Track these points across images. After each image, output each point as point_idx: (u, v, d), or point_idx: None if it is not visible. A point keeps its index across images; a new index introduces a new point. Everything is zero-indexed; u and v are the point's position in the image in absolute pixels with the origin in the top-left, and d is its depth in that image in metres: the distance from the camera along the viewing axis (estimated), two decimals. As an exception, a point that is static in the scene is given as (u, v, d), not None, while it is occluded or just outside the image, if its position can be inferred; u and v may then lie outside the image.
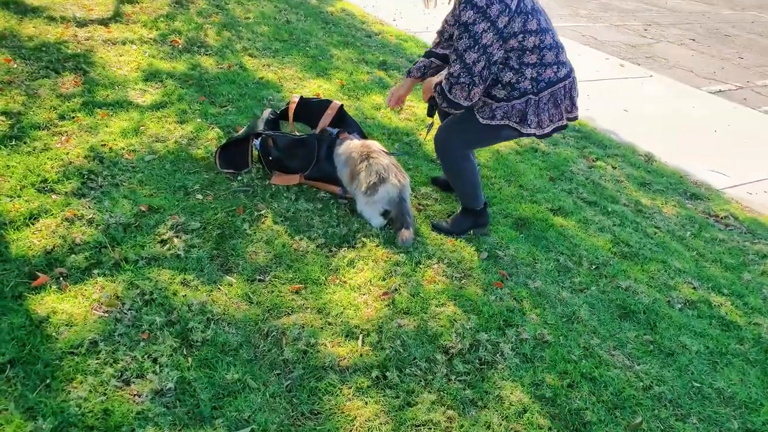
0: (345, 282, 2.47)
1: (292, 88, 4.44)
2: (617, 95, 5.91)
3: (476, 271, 2.66)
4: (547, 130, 2.50)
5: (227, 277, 2.40)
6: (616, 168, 4.10)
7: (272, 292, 2.36)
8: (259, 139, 3.09)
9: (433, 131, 2.85)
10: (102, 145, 3.20)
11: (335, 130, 3.08)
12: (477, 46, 2.25)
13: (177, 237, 2.57)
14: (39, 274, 2.24)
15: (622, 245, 3.07)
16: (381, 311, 2.32)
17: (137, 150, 3.22)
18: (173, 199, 2.84)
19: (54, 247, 2.39)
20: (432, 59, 2.86)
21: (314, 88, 4.50)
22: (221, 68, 4.51)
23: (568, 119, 2.52)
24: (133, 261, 2.38)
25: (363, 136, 3.16)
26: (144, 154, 3.20)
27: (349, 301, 2.35)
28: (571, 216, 3.30)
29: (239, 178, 3.11)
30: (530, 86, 2.40)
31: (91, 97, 3.69)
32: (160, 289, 2.26)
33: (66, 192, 2.76)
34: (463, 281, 2.59)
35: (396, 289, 2.46)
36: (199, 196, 2.90)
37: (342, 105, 3.19)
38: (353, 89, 4.64)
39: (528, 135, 2.53)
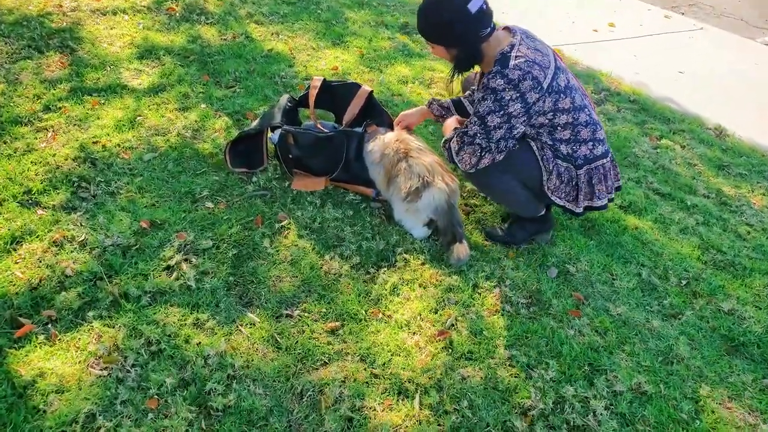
0: (389, 316, 2.08)
1: (306, 60, 3.96)
2: (667, 53, 5.32)
3: (546, 295, 2.26)
4: (579, 209, 2.34)
5: (248, 314, 2.02)
6: (685, 147, 3.62)
7: (303, 332, 1.99)
8: (277, 132, 2.65)
9: None
10: (94, 142, 2.79)
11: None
12: (502, 112, 2.09)
13: (186, 261, 2.19)
14: (23, 320, 1.87)
15: (712, 252, 2.64)
16: (437, 357, 1.94)
17: (134, 147, 2.81)
18: (179, 210, 2.44)
19: (40, 282, 2.02)
20: (454, 109, 2.64)
21: (330, 59, 4.02)
22: (225, 39, 4.03)
23: (609, 200, 2.37)
24: (134, 297, 2.01)
25: (391, 128, 2.71)
26: (142, 151, 2.78)
27: (398, 344, 1.97)
28: (645, 214, 2.85)
29: (254, 179, 2.69)
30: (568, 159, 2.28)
31: (79, 81, 3.26)
32: (169, 336, 1.89)
33: (53, 205, 2.37)
34: (531, 309, 2.19)
35: (453, 325, 2.07)
36: (209, 204, 2.50)
37: (372, 92, 2.72)
38: (375, 59, 4.14)
39: (557, 204, 2.34)
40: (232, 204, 2.53)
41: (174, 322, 1.94)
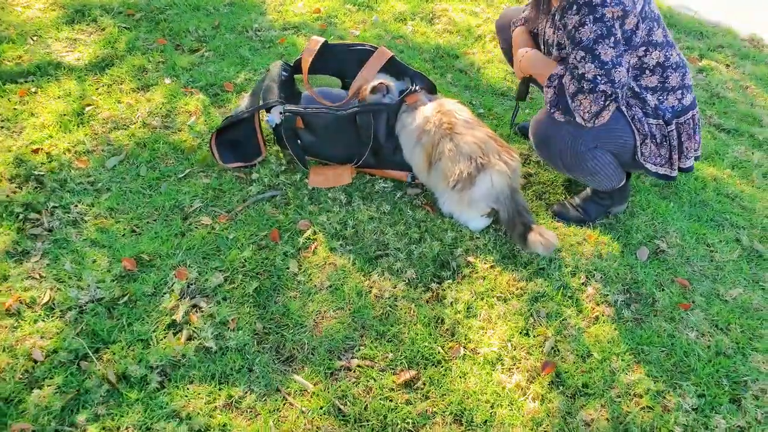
0: (474, 351, 1.62)
1: (279, 4, 3.24)
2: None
3: (645, 286, 1.83)
4: (675, 172, 1.87)
5: (295, 376, 1.53)
6: (730, 66, 3.15)
7: (370, 390, 1.51)
8: (275, 113, 2.04)
9: (521, 118, 2.13)
10: (33, 150, 2.13)
11: (396, 86, 2.04)
12: (613, 38, 1.61)
13: (195, 309, 1.66)
14: (-14, 444, 1.33)
15: (809, 199, 2.25)
16: (548, 400, 1.51)
17: (90, 150, 2.16)
18: (169, 235, 1.87)
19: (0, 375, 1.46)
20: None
21: (309, 0, 3.30)
22: (174, -13, 3.24)
23: (695, 158, 1.90)
24: (138, 379, 1.48)
25: (432, 91, 2.14)
26: (103, 156, 2.14)
27: (495, 390, 1.52)
28: (718, 160, 2.42)
29: (254, 175, 2.11)
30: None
31: (-4, 65, 2.51)
32: None
33: (-3, 252, 1.76)
34: (634, 308, 1.77)
35: (554, 349, 1.63)
36: (206, 220, 1.93)
37: (393, 56, 2.11)
38: (360, -7, 3.44)
39: (651, 172, 1.86)
40: (235, 215, 1.96)
41: (201, 409, 1.43)
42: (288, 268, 1.79)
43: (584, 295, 1.79)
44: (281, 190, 2.07)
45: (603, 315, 1.73)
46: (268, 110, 2.09)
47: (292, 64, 2.21)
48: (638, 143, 1.78)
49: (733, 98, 2.84)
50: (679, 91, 1.79)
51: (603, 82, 1.62)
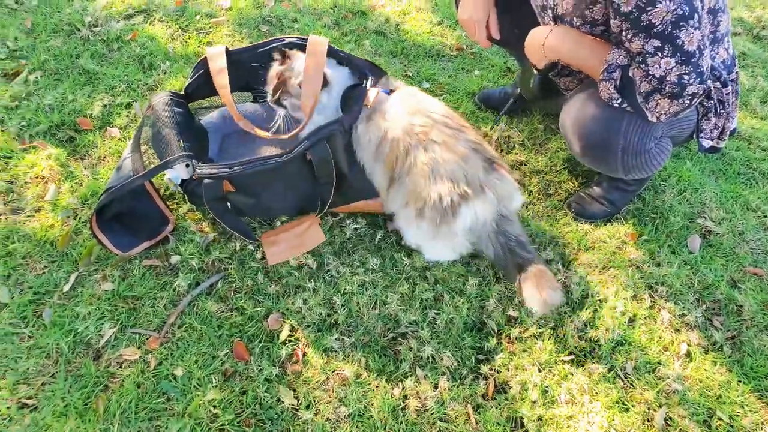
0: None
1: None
2: None
3: (719, 288, 1.56)
4: (724, 143, 1.53)
5: None
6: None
7: None
8: (179, 167, 1.43)
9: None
10: None
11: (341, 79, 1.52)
12: (696, 15, 1.21)
13: None
14: None
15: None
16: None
17: None
18: (84, 396, 1.27)
19: None
20: None
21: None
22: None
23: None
24: None
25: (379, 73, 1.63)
26: None
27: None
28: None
29: (174, 257, 1.51)
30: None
31: None
32: None
33: None
34: (718, 323, 1.49)
35: (668, 421, 1.30)
36: (130, 353, 1.35)
37: (330, 45, 1.54)
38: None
39: (705, 148, 1.51)
40: (170, 333, 1.37)
41: None
42: (281, 402, 1.28)
43: (660, 324, 1.47)
44: (221, 271, 1.50)
45: (692, 345, 1.43)
46: (166, 167, 1.45)
47: (183, 92, 1.57)
48: (700, 118, 1.45)
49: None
50: (726, 39, 1.46)
51: (692, 81, 1.24)
